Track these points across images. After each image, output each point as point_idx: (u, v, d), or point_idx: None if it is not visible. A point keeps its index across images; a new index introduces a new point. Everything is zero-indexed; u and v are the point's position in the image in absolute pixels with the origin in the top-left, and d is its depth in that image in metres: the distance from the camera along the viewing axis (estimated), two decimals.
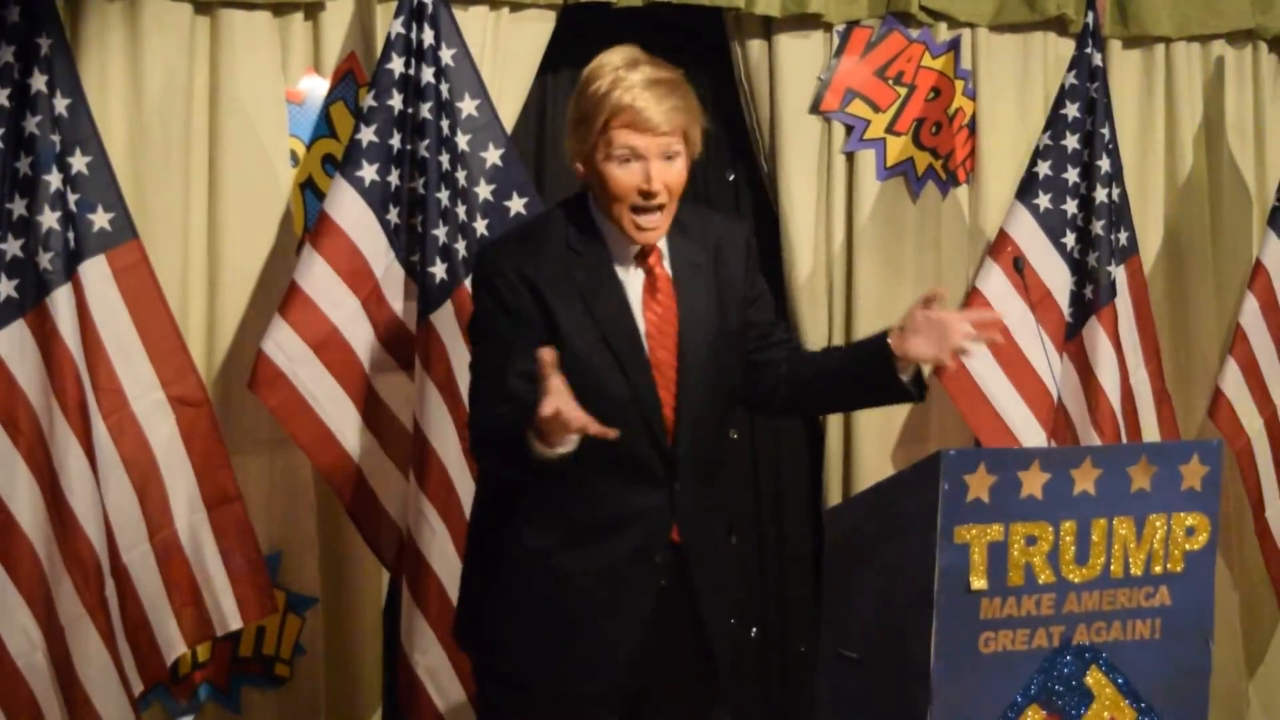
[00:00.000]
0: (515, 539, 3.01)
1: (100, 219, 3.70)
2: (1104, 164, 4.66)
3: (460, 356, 3.89)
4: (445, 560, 3.89)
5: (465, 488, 3.92)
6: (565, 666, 3.01)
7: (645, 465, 2.98)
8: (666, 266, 3.03)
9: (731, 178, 4.84)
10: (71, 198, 3.66)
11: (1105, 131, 4.66)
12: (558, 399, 2.64)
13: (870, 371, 3.11)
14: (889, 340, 3.06)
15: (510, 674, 3.07)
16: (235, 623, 3.90)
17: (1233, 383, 4.88)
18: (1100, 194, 4.66)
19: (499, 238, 3.16)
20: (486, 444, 2.97)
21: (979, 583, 3.49)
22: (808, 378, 3.21)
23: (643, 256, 2.99)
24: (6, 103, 3.61)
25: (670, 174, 2.90)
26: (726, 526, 3.30)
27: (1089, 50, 4.63)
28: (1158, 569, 3.68)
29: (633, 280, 2.99)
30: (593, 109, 2.87)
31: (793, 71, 4.63)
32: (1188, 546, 3.70)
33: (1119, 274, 4.73)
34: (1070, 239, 4.68)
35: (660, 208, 2.91)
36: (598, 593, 2.99)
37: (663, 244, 3.02)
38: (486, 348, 2.99)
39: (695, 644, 3.13)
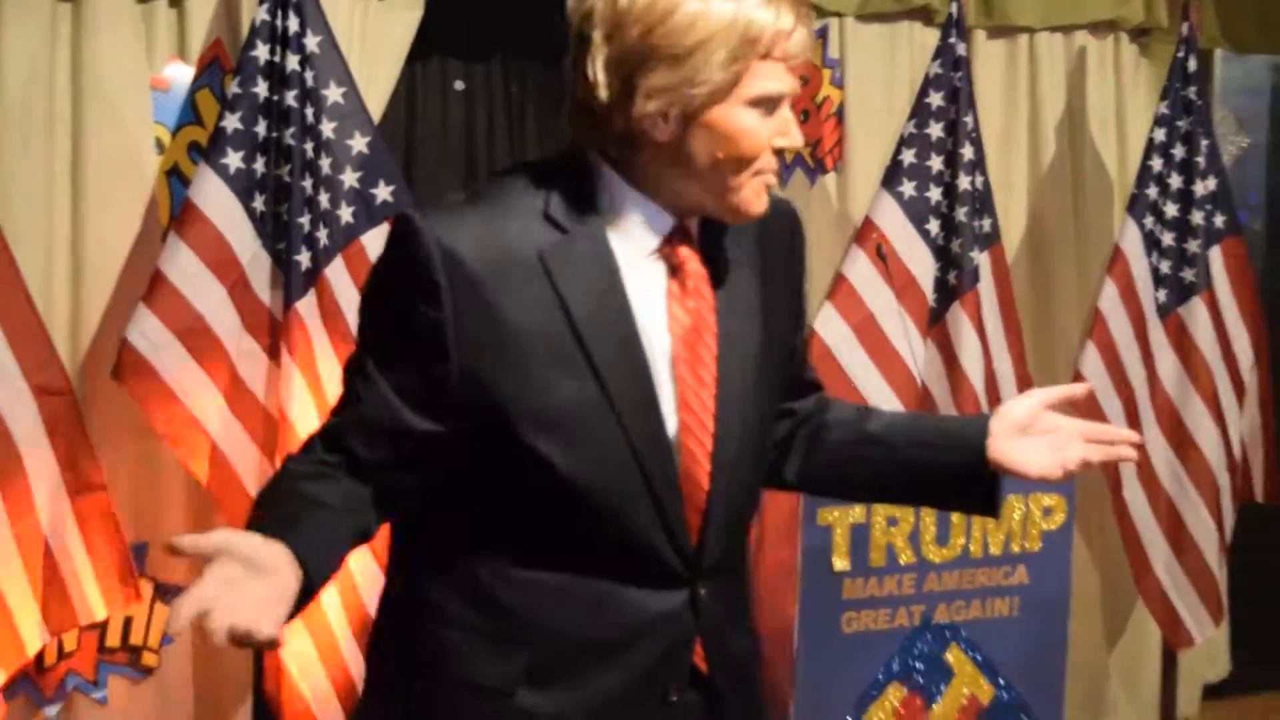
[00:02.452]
0: (461, 664, 2.08)
1: None
2: (967, 152, 4.71)
3: (324, 344, 3.91)
4: None
5: None
6: None
7: (654, 558, 2.07)
8: (697, 264, 2.13)
9: None
10: None
11: (969, 120, 4.72)
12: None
13: (944, 472, 2.27)
14: (987, 441, 2.23)
15: None
16: (100, 612, 3.85)
17: (1092, 365, 4.93)
18: (964, 181, 4.71)
19: (440, 203, 2.13)
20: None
21: (841, 563, 3.57)
22: (844, 454, 2.33)
23: (669, 244, 2.10)
24: None
25: None
26: (753, 633, 2.33)
27: (953, 40, 4.67)
28: (1016, 549, 3.79)
29: (647, 278, 2.07)
30: (731, 30, 1.95)
31: None
32: (1045, 526, 3.81)
33: (982, 260, 4.79)
34: (934, 226, 4.72)
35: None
36: None
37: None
38: (367, 353, 2.07)
39: None
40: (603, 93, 1.98)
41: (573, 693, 2.07)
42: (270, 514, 1.96)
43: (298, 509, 1.98)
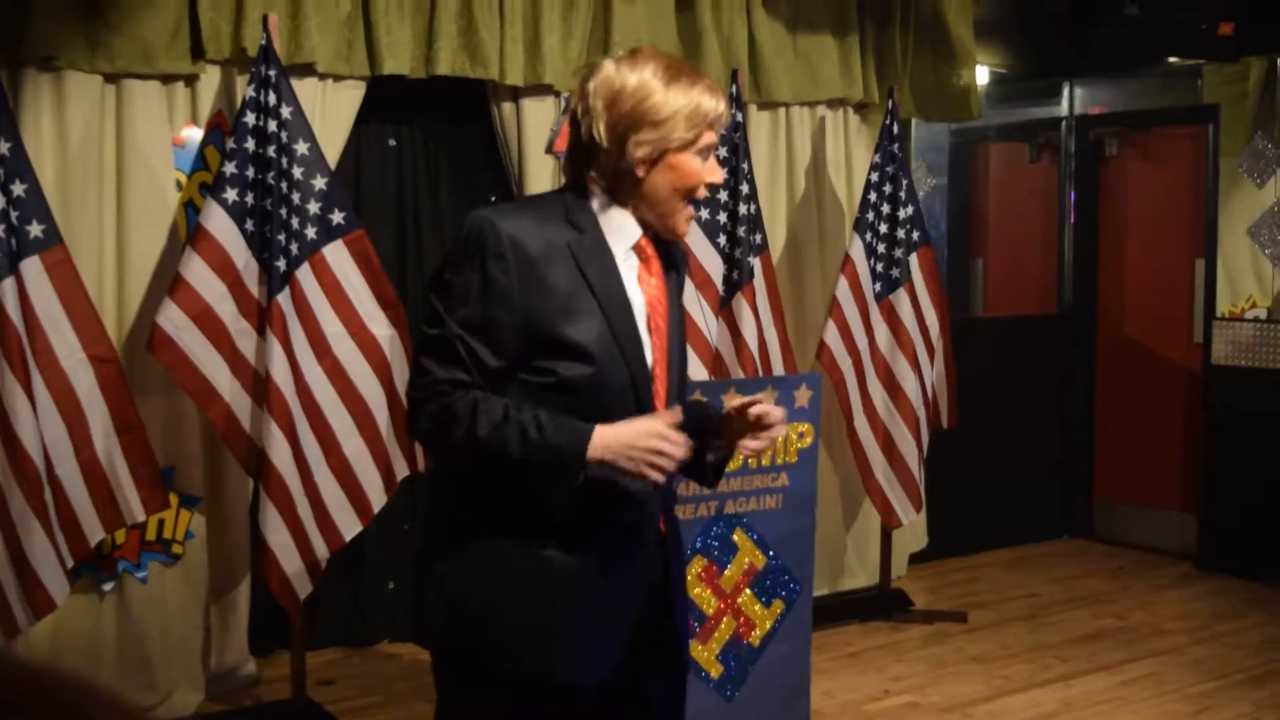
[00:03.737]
0: (504, 532, 2.16)
1: (35, 229, 3.61)
2: (744, 187, 4.74)
3: (296, 326, 3.91)
4: (287, 465, 3.89)
5: (300, 414, 3.92)
6: (562, 660, 2.18)
7: None
8: (655, 258, 2.28)
9: (494, 199, 4.84)
10: (13, 214, 3.57)
11: (745, 165, 4.74)
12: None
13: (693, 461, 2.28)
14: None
15: (505, 672, 2.17)
16: (140, 516, 3.87)
17: (831, 336, 4.99)
18: (742, 208, 4.75)
19: (496, 207, 2.19)
20: (442, 431, 2.10)
21: None
22: None
23: (638, 243, 2.24)
24: None
25: None
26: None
27: (734, 111, 4.65)
28: (780, 461, 3.78)
29: (627, 263, 2.21)
30: (690, 109, 2.13)
31: (533, 124, 4.66)
32: (799, 445, 3.82)
33: (756, 263, 4.81)
34: (723, 239, 4.76)
35: None
36: (593, 585, 2.18)
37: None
38: (452, 315, 2.11)
39: (669, 640, 2.35)
40: (604, 143, 2.15)
41: (584, 547, 2.16)
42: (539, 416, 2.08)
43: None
